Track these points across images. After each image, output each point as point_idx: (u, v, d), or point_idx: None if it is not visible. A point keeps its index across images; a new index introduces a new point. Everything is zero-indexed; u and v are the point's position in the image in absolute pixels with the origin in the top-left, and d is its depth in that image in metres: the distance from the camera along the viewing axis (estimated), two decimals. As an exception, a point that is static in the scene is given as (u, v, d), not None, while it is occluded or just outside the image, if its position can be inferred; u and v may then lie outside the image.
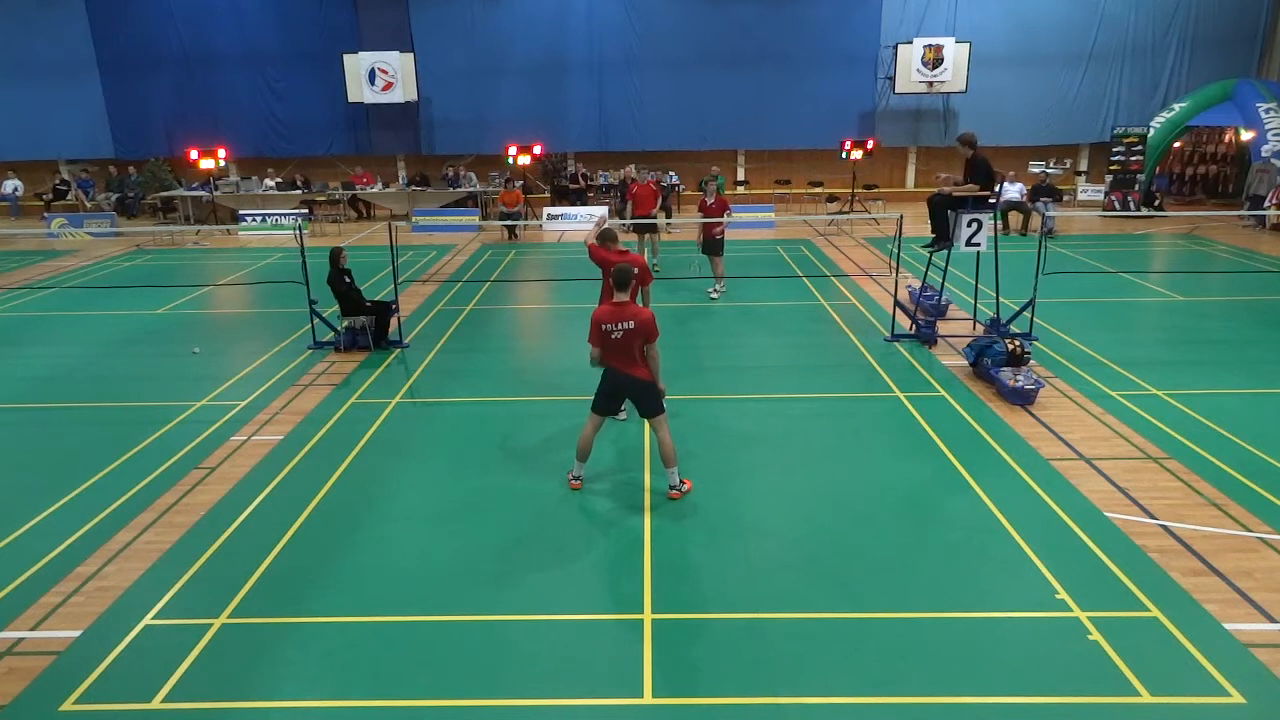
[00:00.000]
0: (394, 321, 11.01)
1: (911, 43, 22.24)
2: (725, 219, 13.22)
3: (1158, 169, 22.06)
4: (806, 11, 22.76)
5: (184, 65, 23.05)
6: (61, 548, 6.10)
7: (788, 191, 24.01)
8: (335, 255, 10.55)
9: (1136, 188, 20.90)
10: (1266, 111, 19.21)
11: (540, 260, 17.35)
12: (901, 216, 11.84)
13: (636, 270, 6.82)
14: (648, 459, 7.43)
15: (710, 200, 13.37)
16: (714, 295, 13.30)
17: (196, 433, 8.18)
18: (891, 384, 9.28)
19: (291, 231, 17.22)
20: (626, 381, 6.52)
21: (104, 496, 6.87)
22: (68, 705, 4.53)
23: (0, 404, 9.17)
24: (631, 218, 14.40)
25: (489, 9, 22.80)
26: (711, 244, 13.25)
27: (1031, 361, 9.49)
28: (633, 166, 22.02)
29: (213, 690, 4.63)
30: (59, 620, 5.28)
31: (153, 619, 5.27)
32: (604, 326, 6.37)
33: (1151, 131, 21.01)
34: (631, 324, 6.34)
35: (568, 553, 5.97)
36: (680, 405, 8.29)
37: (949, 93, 22.76)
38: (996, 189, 12.44)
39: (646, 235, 14.64)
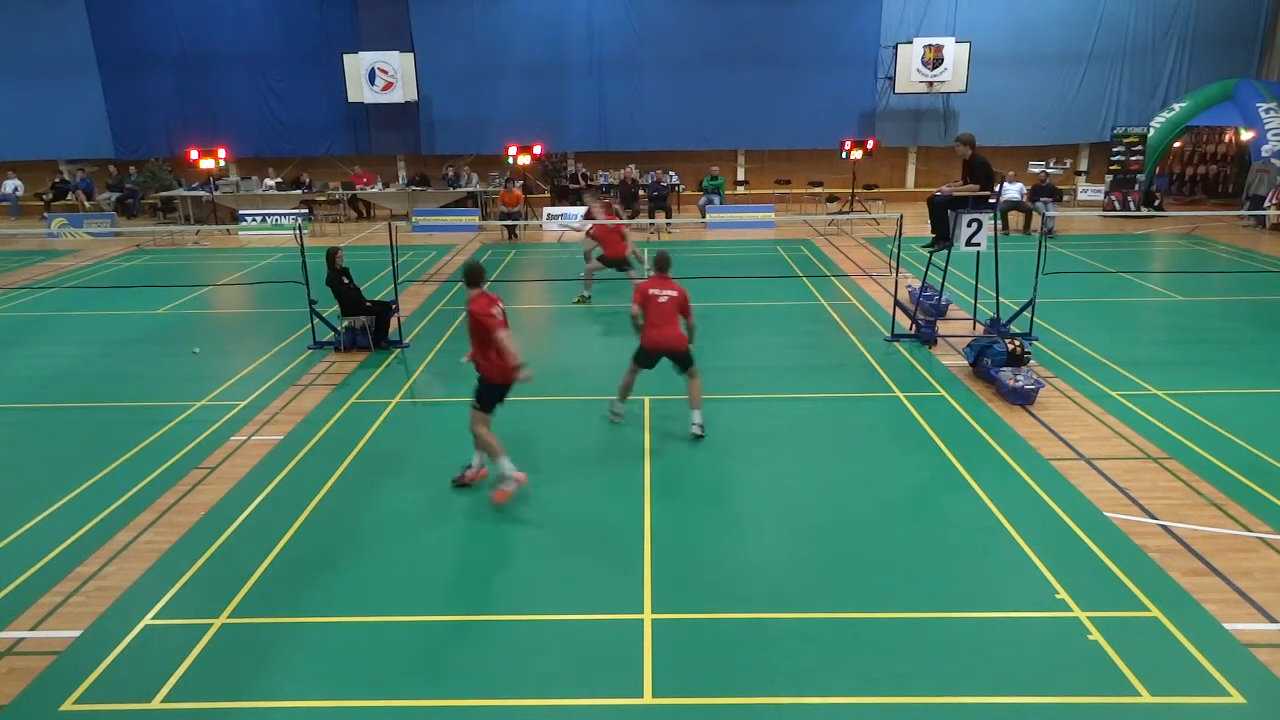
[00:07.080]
0: (394, 321, 11.01)
1: (911, 43, 22.22)
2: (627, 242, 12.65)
3: (1158, 169, 22.05)
4: (806, 12, 22.75)
5: (184, 65, 23.02)
6: (61, 548, 6.10)
7: (788, 191, 23.99)
8: (331, 255, 10.54)
9: (1136, 187, 20.89)
10: (1266, 111, 19.21)
11: (540, 260, 17.34)
12: (901, 216, 11.85)
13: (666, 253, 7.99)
14: (648, 459, 7.43)
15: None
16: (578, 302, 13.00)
17: (196, 433, 8.18)
18: (891, 384, 9.28)
19: (291, 231, 17.23)
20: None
21: (104, 496, 6.87)
22: (68, 705, 4.53)
23: (0, 404, 9.18)
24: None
25: (489, 9, 22.78)
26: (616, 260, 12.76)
27: (1031, 361, 9.50)
28: (633, 166, 22.09)
29: (213, 690, 4.63)
30: (59, 620, 5.28)
31: (153, 619, 5.27)
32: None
33: (1151, 131, 20.99)
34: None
35: (568, 552, 5.98)
36: (680, 406, 8.28)
37: (949, 93, 22.74)
38: (996, 189, 12.44)
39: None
